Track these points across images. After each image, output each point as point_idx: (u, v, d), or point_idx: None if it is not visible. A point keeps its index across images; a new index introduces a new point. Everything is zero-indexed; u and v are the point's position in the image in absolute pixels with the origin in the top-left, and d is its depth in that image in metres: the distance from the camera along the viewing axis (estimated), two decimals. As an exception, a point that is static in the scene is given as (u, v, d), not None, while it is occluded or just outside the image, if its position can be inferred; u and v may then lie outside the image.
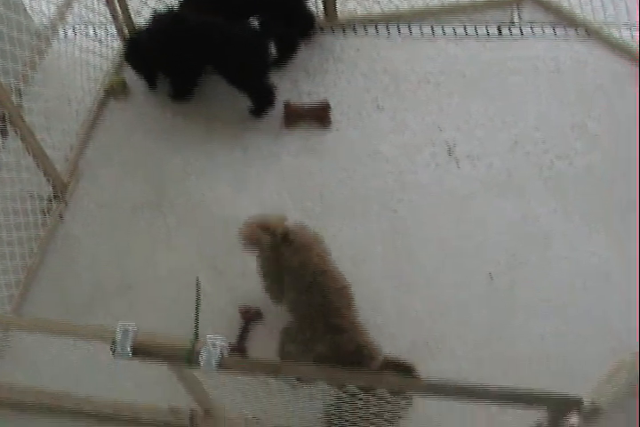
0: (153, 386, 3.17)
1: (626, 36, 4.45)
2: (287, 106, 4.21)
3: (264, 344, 3.37)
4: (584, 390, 2.22)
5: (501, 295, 3.59)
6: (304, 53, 4.45)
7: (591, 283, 3.60)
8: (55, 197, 3.94)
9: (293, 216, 3.80)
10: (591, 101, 4.21)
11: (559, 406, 2.30)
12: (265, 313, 3.57)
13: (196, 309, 2.43)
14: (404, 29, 4.56)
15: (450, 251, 3.75)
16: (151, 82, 4.35)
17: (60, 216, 3.94)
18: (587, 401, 2.23)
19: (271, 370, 2.44)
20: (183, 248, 3.79)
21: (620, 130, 4.09)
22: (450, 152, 4.06)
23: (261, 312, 3.60)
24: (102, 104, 4.34)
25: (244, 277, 3.64)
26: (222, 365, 2.34)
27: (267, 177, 4.01)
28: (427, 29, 4.57)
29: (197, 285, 2.46)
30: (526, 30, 4.55)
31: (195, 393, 2.86)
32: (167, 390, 2.96)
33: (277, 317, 3.42)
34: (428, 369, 3.04)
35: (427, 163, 4.04)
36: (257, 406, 2.97)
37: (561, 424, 2.41)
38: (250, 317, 3.60)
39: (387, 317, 3.52)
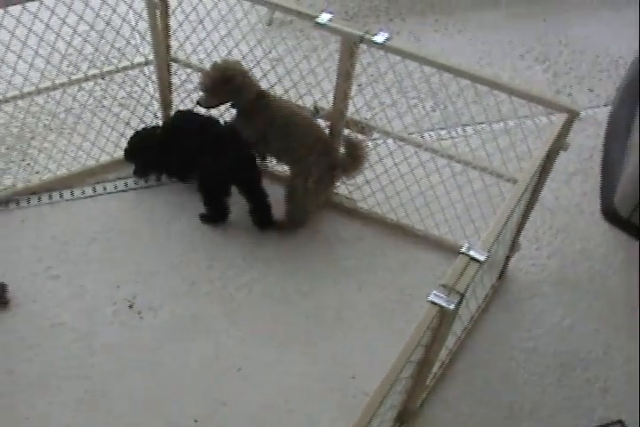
0: None
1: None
2: (-41, 295, 4.13)
3: None
4: None
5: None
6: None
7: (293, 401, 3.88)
8: None
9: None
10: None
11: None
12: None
13: None
14: (67, 193, 4.68)
15: (151, 404, 3.84)
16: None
17: None
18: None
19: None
20: None
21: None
22: (131, 306, 4.18)
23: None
24: None
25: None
26: None
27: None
28: (89, 190, 4.73)
29: None
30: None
31: None
32: None
33: None
34: None
35: (110, 322, 4.14)
36: None
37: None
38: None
39: None
